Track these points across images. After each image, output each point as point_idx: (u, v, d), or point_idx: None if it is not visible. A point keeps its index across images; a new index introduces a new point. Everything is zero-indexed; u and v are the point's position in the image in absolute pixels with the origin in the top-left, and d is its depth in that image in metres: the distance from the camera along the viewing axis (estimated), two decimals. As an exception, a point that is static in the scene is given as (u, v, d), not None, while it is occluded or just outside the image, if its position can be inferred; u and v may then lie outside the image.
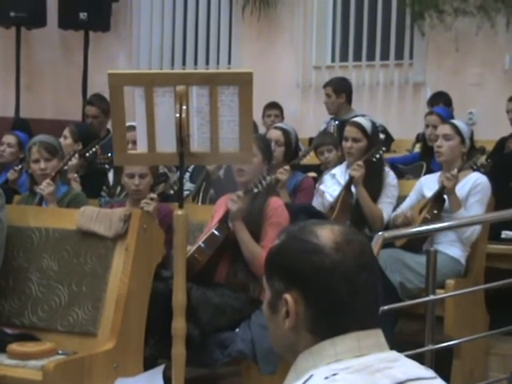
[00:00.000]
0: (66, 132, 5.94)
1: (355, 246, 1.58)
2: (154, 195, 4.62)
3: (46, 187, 4.85)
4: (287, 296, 1.56)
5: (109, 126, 6.65)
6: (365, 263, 1.58)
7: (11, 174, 5.88)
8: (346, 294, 1.55)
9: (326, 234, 1.57)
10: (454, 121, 5.35)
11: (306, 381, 1.51)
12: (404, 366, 1.56)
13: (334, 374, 1.49)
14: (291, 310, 1.56)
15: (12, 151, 6.29)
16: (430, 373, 1.61)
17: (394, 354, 1.59)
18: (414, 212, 5.03)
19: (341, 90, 7.27)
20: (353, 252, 1.57)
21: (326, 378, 1.49)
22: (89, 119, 7.08)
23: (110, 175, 5.84)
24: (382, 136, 5.43)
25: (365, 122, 5.31)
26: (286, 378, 1.60)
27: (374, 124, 5.43)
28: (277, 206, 4.46)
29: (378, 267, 1.64)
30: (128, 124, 3.62)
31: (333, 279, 1.54)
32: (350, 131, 5.28)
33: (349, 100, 7.32)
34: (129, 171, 4.66)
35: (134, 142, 3.61)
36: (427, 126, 6.28)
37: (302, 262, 1.56)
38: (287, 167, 5.37)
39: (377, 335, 1.58)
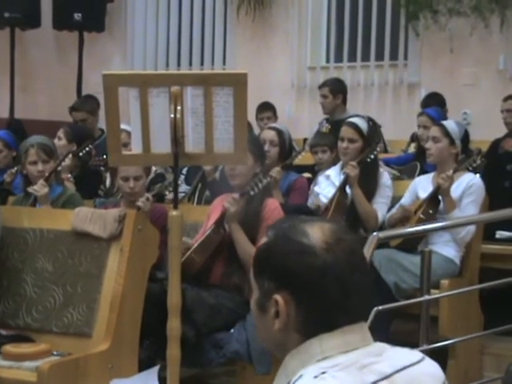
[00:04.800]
0: (60, 133, 5.92)
1: (345, 245, 1.56)
2: (150, 196, 4.62)
3: (40, 188, 4.83)
4: (278, 297, 1.55)
5: (101, 125, 6.62)
6: (356, 263, 1.56)
7: (8, 176, 5.82)
8: (337, 295, 1.53)
9: (317, 234, 1.55)
10: (444, 122, 5.32)
11: (296, 381, 1.50)
12: (389, 358, 1.55)
13: (323, 373, 1.49)
14: (282, 311, 1.55)
15: (4, 155, 6.17)
16: (417, 355, 1.60)
17: (380, 346, 1.58)
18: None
19: (338, 91, 7.29)
20: (343, 252, 1.55)
21: (315, 376, 1.48)
22: (78, 124, 7.04)
23: (108, 178, 5.84)
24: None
25: (361, 123, 5.31)
26: (276, 378, 1.58)
27: (370, 125, 5.42)
28: (274, 207, 4.45)
29: (369, 267, 1.63)
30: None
31: (324, 280, 1.52)
32: (346, 131, 5.28)
33: (344, 101, 7.35)
34: (123, 174, 4.63)
35: (125, 145, 3.60)
36: (418, 126, 6.33)
37: (293, 262, 1.54)
38: (277, 168, 5.35)
39: (361, 328, 1.57)
